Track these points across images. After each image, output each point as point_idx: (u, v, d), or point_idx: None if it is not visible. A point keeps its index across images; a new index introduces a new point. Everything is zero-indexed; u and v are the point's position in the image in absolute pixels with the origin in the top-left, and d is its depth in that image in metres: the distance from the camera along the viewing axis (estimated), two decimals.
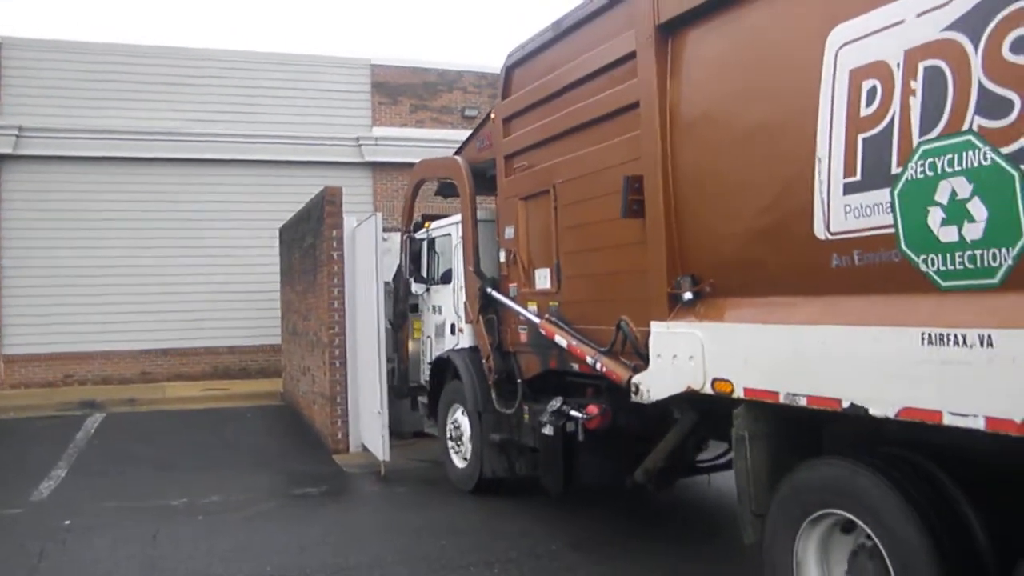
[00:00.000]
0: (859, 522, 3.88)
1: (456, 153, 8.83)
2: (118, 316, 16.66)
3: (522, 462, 7.53)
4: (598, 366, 5.82)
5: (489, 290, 7.60)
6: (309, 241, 11.81)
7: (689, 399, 5.04)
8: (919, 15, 3.51)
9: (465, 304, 8.13)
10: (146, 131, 16.72)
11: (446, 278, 8.90)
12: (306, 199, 12.32)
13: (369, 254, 9.23)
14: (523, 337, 7.15)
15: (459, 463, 8.36)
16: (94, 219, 16.60)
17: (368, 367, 9.47)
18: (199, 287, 17.04)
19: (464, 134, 9.07)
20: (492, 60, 7.28)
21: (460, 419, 8.30)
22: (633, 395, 5.36)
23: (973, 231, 3.33)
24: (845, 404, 3.83)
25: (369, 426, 9.65)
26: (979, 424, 3.24)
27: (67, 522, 7.42)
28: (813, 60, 3.99)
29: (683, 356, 4.84)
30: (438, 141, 13.37)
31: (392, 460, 9.06)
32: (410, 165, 10.78)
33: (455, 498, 8.06)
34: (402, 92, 18.89)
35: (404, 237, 9.45)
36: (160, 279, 16.85)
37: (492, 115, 7.68)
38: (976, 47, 3.29)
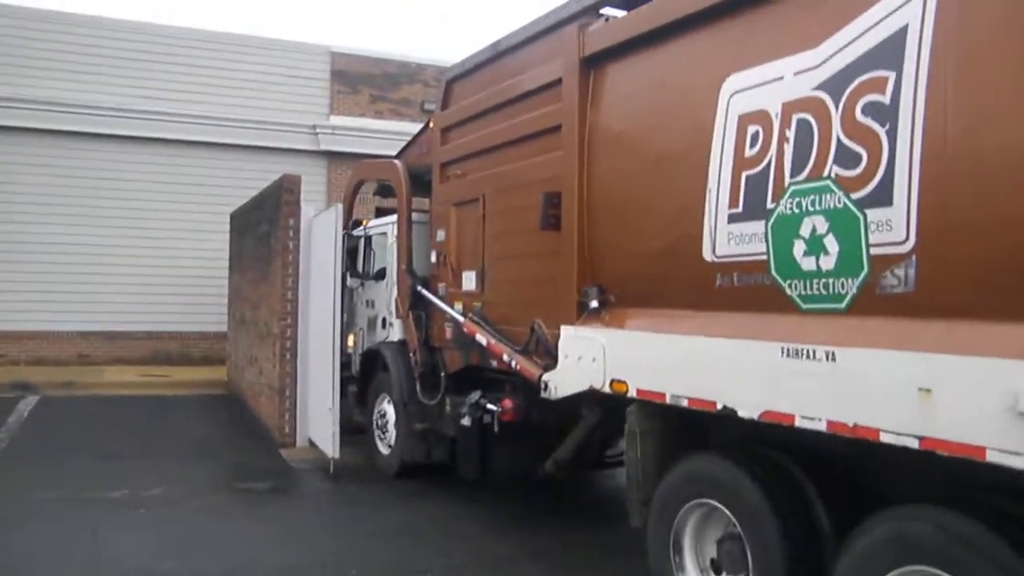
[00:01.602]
0: (724, 509, 4.46)
1: (396, 156, 9.27)
2: (56, 295, 16.09)
3: (440, 450, 8.02)
4: (513, 364, 6.32)
5: (419, 288, 8.02)
6: (264, 229, 11.51)
7: (593, 397, 5.57)
8: (795, 74, 4.08)
9: (396, 300, 8.53)
10: (94, 105, 16.21)
11: (380, 275, 9.27)
12: (258, 185, 12.12)
13: (328, 245, 9.12)
14: (448, 334, 7.60)
15: (384, 449, 8.80)
16: (34, 194, 16.03)
17: (321, 361, 9.28)
18: (142, 269, 16.56)
19: None
20: (454, 55, 7.61)
21: (387, 408, 8.71)
22: (543, 391, 5.87)
23: (827, 262, 3.90)
24: (719, 406, 4.38)
25: (318, 421, 9.44)
26: (822, 426, 3.81)
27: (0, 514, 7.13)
28: (710, 103, 4.54)
29: (587, 358, 5.37)
30: (396, 133, 12.82)
31: (340, 456, 8.79)
32: (367, 156, 10.88)
33: (407, 499, 7.95)
34: (362, 82, 18.54)
35: (342, 233, 9.76)
36: (102, 259, 16.35)
37: (431, 124, 8.15)
38: (837, 106, 3.85)
